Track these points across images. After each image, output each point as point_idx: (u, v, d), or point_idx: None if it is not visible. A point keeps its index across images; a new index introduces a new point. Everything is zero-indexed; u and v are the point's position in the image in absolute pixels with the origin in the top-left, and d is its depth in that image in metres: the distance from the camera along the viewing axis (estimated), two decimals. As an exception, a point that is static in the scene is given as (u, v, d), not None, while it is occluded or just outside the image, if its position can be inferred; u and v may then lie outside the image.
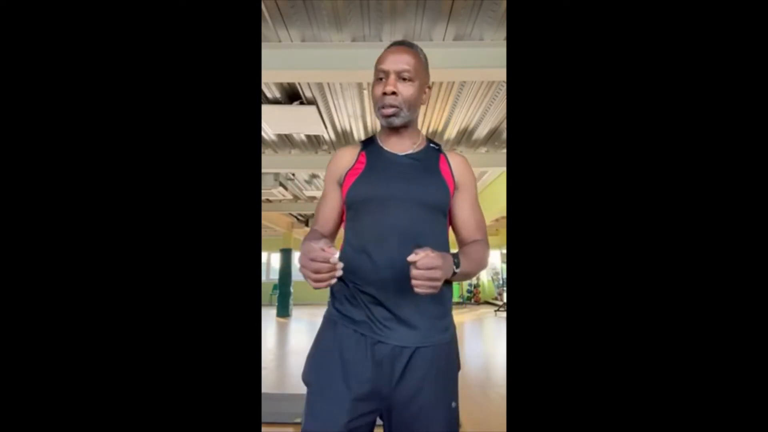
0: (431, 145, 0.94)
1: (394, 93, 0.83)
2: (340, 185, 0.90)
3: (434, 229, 0.86)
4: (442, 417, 0.80)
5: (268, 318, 7.61)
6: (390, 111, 0.85)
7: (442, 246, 0.83)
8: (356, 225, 0.86)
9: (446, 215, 0.91)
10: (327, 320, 0.88)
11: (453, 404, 0.83)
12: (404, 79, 0.85)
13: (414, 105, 0.87)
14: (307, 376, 0.85)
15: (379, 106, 0.86)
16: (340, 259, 0.68)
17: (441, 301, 0.85)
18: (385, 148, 0.90)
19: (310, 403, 0.81)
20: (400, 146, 0.91)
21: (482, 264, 0.87)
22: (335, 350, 0.82)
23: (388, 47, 0.88)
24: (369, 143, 0.93)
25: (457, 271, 0.76)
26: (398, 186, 0.85)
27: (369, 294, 0.81)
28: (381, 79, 0.85)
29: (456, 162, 0.93)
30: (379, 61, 0.87)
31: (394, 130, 0.89)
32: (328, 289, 0.77)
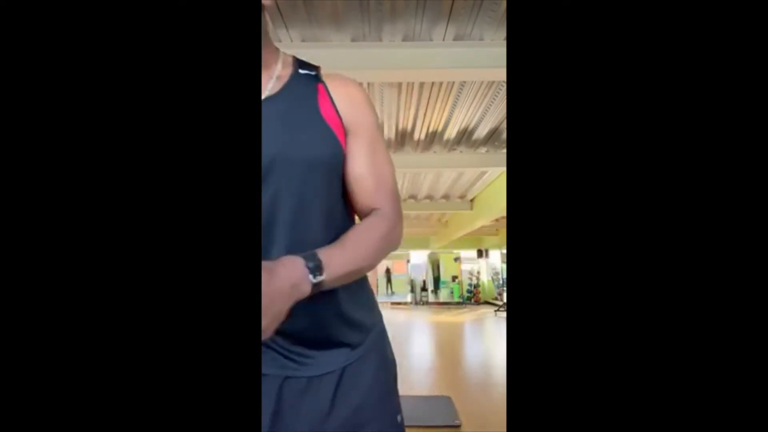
0: (301, 70, 0.62)
1: None
2: None
3: (327, 205, 0.59)
4: None
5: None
6: None
7: (345, 226, 0.59)
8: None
9: (341, 177, 0.62)
10: None
11: (399, 418, 0.63)
12: None
13: None
14: None
15: None
16: None
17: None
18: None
19: None
20: (267, 85, 0.59)
21: (378, 251, 0.59)
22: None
23: None
24: None
25: (317, 280, 0.50)
26: (272, 143, 0.55)
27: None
28: None
29: (341, 93, 0.61)
30: None
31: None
32: None
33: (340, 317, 0.60)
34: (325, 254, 0.52)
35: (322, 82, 0.62)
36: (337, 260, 0.53)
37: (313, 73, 0.63)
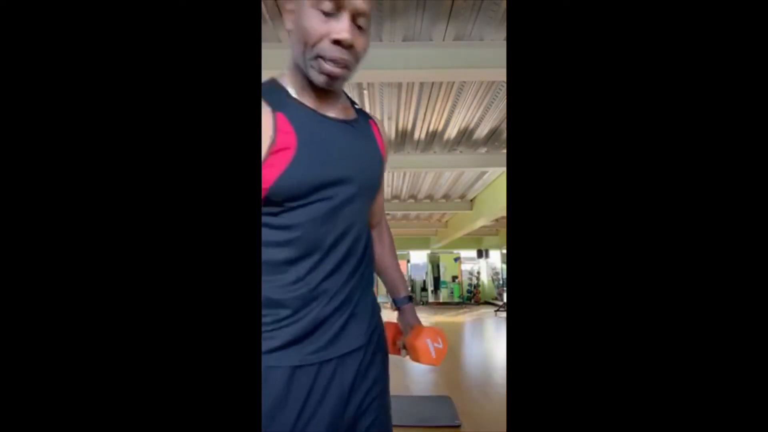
0: (355, 106, 0.71)
1: (351, 46, 0.56)
2: None
3: (367, 212, 0.69)
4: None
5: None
6: (338, 71, 0.57)
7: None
8: (285, 223, 0.58)
9: None
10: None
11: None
12: (360, 28, 0.57)
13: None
14: None
15: (318, 55, 0.56)
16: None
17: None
18: (318, 111, 0.61)
19: None
20: (331, 108, 0.63)
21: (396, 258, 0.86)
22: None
23: None
24: (278, 99, 0.59)
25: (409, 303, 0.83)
26: (350, 163, 0.62)
27: (304, 316, 0.59)
28: (328, 14, 0.54)
29: (380, 131, 0.72)
30: None
31: (313, 83, 0.60)
32: None
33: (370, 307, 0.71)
34: (402, 289, 0.83)
35: (372, 118, 0.74)
36: (403, 286, 0.84)
37: (363, 110, 0.73)
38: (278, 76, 0.64)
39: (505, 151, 3.78)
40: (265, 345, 0.57)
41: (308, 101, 0.62)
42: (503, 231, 9.95)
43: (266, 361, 0.56)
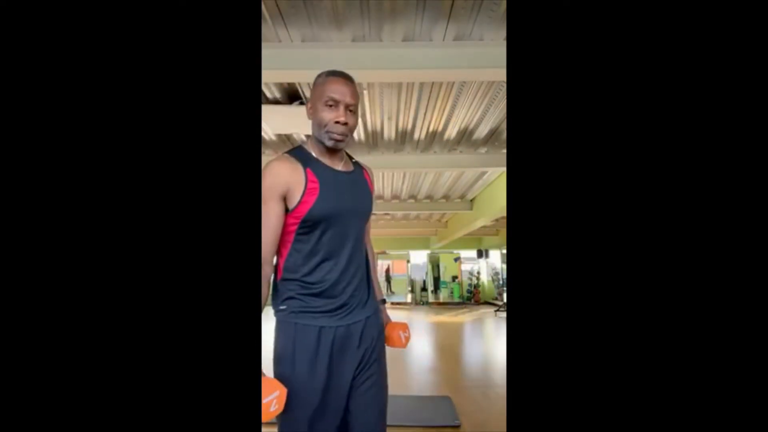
0: (353, 161, 1.08)
1: (346, 123, 0.94)
2: (283, 201, 0.90)
3: (363, 235, 1.06)
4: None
5: (269, 318, 7.57)
6: (340, 138, 0.94)
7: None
8: (313, 239, 0.93)
9: None
10: (281, 325, 0.96)
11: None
12: (351, 111, 0.95)
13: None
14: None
15: (328, 130, 0.94)
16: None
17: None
18: (331, 167, 0.98)
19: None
20: (338, 163, 1.01)
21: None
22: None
23: (332, 76, 0.95)
24: (306, 159, 0.96)
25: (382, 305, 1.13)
26: (350, 200, 0.98)
27: (333, 294, 0.94)
28: (331, 106, 0.93)
29: (370, 176, 1.11)
30: (327, 88, 0.93)
31: (327, 148, 0.98)
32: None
33: (367, 293, 1.04)
34: (380, 290, 1.14)
35: (365, 168, 1.10)
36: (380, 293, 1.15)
37: (358, 162, 1.09)
38: (303, 143, 1.01)
39: (505, 151, 3.77)
40: (301, 313, 0.92)
41: (324, 160, 0.98)
42: (503, 231, 9.95)
43: (301, 320, 0.92)
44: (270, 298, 0.97)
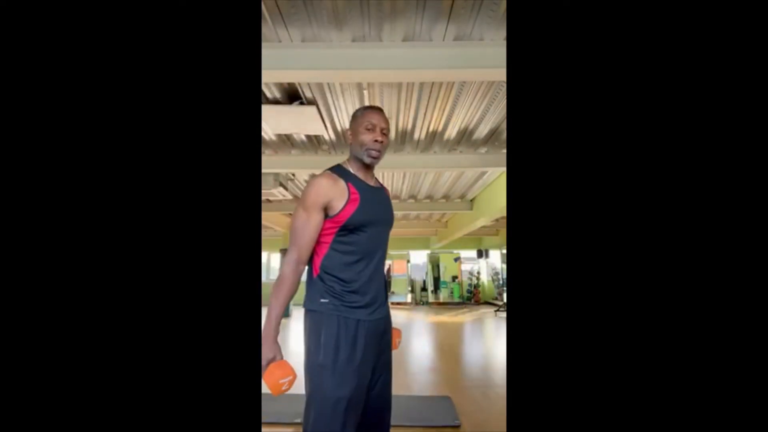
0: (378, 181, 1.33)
1: (382, 142, 1.17)
2: (323, 210, 1.09)
3: None
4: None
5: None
6: (377, 154, 1.17)
7: None
8: (355, 241, 1.12)
9: None
10: (324, 317, 1.09)
11: None
12: (384, 134, 1.19)
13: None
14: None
15: (368, 148, 1.16)
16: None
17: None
18: (365, 182, 1.19)
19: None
20: (370, 180, 1.23)
21: None
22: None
23: (369, 109, 1.20)
24: (346, 175, 1.16)
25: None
26: (382, 212, 1.20)
27: (366, 292, 1.13)
28: (369, 129, 1.17)
29: (389, 192, 1.34)
30: (366, 117, 1.18)
31: (367, 166, 1.21)
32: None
33: (384, 294, 1.22)
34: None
35: (385, 187, 1.31)
36: None
37: (379, 182, 1.30)
38: (342, 162, 1.22)
39: (505, 151, 3.77)
40: (342, 307, 1.09)
41: (361, 176, 1.19)
42: (503, 231, 9.94)
43: (343, 313, 1.08)
44: (305, 292, 1.15)
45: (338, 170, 1.17)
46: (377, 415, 1.15)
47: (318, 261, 1.11)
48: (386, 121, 1.20)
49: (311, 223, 1.07)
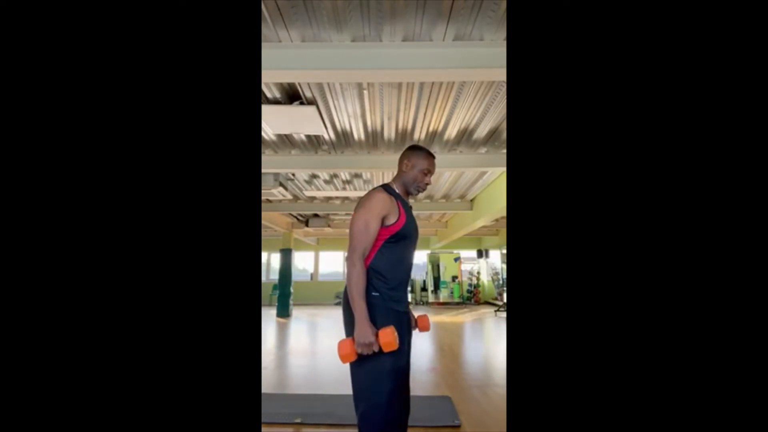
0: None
1: (429, 184, 1.51)
2: (381, 220, 1.34)
3: None
4: None
5: (268, 318, 7.60)
6: (423, 192, 1.53)
7: None
8: (398, 247, 1.39)
9: None
10: (377, 307, 1.33)
11: None
12: (430, 174, 1.52)
13: None
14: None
15: (417, 185, 1.48)
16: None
17: None
18: (406, 201, 1.49)
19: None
20: (409, 201, 1.54)
21: None
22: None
23: (430, 156, 1.49)
24: (396, 194, 1.46)
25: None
26: (416, 227, 1.49)
27: (399, 289, 1.40)
28: (425, 174, 1.48)
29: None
30: (426, 163, 1.48)
31: (408, 193, 1.51)
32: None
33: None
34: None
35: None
36: None
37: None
38: (390, 183, 1.50)
39: (505, 151, 3.77)
40: (390, 300, 1.36)
41: (403, 196, 1.49)
42: (503, 231, 9.94)
43: (388, 304, 1.35)
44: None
45: (389, 189, 1.45)
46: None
47: (367, 262, 1.35)
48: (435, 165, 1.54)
49: (372, 229, 1.32)
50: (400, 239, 1.39)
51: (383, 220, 1.35)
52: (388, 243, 1.37)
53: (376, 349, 1.25)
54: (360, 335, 1.24)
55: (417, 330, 1.57)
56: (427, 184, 1.49)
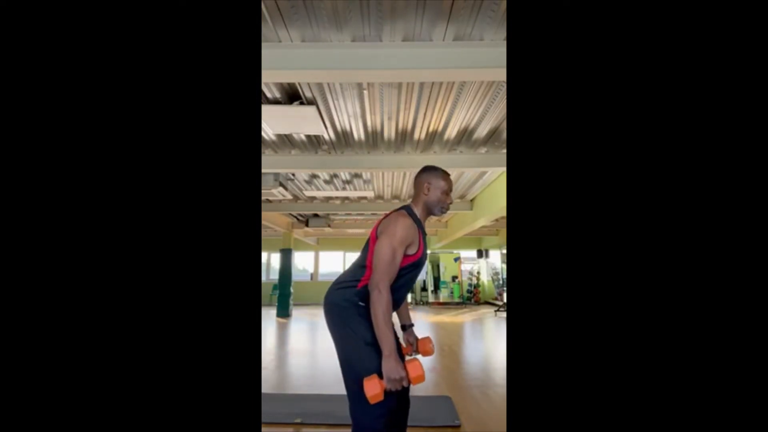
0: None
1: (450, 202, 1.49)
2: (405, 248, 1.32)
3: None
4: None
5: (268, 318, 7.60)
6: (446, 212, 1.50)
7: None
8: (408, 274, 1.38)
9: None
10: (366, 317, 1.30)
11: None
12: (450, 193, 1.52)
13: None
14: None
15: (441, 206, 1.47)
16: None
17: None
18: (424, 228, 1.49)
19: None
20: (425, 227, 1.53)
21: None
22: None
23: (447, 176, 1.48)
24: (417, 221, 1.43)
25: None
26: (427, 253, 1.51)
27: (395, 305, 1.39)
28: (446, 193, 1.47)
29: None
30: (445, 183, 1.47)
31: (430, 214, 1.50)
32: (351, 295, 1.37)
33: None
34: (409, 315, 1.78)
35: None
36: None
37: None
38: (411, 204, 1.49)
39: (505, 151, 3.77)
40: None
41: (422, 221, 1.48)
42: (503, 231, 9.94)
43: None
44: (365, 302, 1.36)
45: (411, 213, 1.44)
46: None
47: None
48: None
49: (398, 258, 1.30)
50: (413, 269, 1.39)
51: (406, 248, 1.34)
52: (403, 271, 1.36)
53: (406, 384, 1.17)
54: (390, 370, 1.14)
55: (419, 354, 1.52)
56: (450, 203, 1.49)
